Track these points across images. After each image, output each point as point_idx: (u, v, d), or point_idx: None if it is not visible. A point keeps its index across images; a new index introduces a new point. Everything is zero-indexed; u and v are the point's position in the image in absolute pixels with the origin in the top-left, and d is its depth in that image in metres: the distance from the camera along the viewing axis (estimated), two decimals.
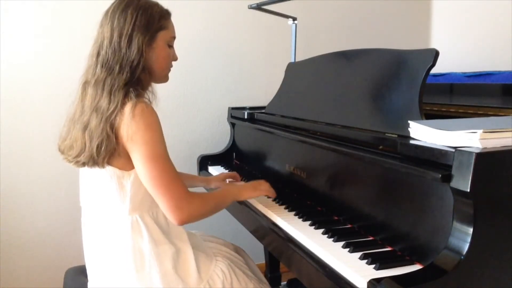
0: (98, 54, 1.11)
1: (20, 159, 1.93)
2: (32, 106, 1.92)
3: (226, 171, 1.83)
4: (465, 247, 0.78)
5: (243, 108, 1.97)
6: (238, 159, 2.00)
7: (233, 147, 2.02)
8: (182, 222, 1.07)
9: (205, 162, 1.98)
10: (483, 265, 0.81)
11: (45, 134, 1.94)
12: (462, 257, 0.77)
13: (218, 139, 2.24)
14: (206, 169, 1.96)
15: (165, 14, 1.18)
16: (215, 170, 1.87)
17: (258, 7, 1.96)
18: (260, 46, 2.30)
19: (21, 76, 1.90)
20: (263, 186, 1.31)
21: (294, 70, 1.76)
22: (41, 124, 1.93)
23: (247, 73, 2.29)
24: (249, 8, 1.99)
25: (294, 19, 2.07)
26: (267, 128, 1.62)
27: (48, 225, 2.00)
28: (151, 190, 1.06)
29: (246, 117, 1.87)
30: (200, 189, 1.50)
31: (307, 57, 1.69)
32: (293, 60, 2.06)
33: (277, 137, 1.56)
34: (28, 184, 1.96)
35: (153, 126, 1.06)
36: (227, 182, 1.59)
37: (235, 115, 1.98)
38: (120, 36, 1.09)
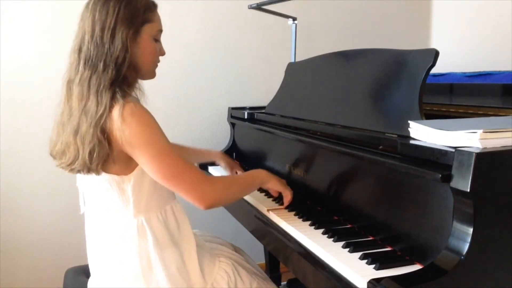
0: (80, 50, 1.05)
1: (20, 159, 1.93)
2: (32, 106, 1.92)
3: None
4: (465, 247, 0.78)
5: (243, 108, 1.97)
6: (238, 159, 1.99)
7: (233, 147, 2.01)
8: (208, 206, 1.06)
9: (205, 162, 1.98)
10: (483, 265, 0.81)
11: (45, 134, 1.91)
12: (462, 257, 0.77)
13: (218, 139, 2.24)
14: (206, 169, 1.95)
15: (151, 6, 1.11)
16: (215, 170, 1.87)
17: (258, 7, 1.96)
18: (260, 46, 2.30)
19: (21, 76, 1.90)
20: (289, 189, 1.29)
21: (294, 70, 1.76)
22: (41, 124, 1.93)
23: (247, 73, 2.29)
24: (249, 8, 1.99)
25: (294, 19, 2.07)
26: (267, 128, 1.62)
27: (48, 225, 2.00)
28: (167, 186, 1.05)
29: (246, 117, 1.87)
30: None
31: (307, 57, 1.69)
32: (293, 60, 2.06)
33: (277, 137, 1.56)
34: (28, 184, 1.96)
35: (147, 123, 1.02)
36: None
37: (235, 115, 1.98)
38: (102, 30, 1.03)
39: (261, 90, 2.30)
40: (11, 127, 1.90)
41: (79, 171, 1.05)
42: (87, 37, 1.04)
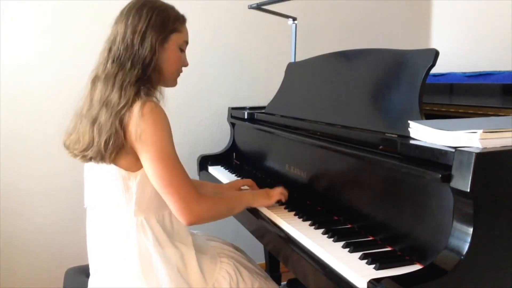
0: (110, 50, 1.10)
1: (20, 159, 1.93)
2: (32, 106, 1.92)
3: (226, 171, 1.83)
4: (465, 247, 0.78)
5: (243, 108, 1.96)
6: (238, 159, 1.99)
7: (233, 147, 2.02)
8: (191, 223, 1.07)
9: (205, 162, 1.98)
10: (483, 265, 0.81)
11: (45, 134, 1.94)
12: (462, 257, 0.77)
13: (218, 139, 2.24)
14: (206, 169, 1.95)
15: (180, 18, 1.19)
16: (215, 170, 1.88)
17: (258, 7, 1.96)
18: (260, 46, 2.30)
19: (21, 76, 1.90)
20: (276, 190, 1.30)
21: (294, 70, 1.76)
22: (41, 124, 1.93)
23: (247, 73, 2.29)
24: (249, 8, 1.99)
25: (294, 19, 2.07)
26: (267, 128, 1.62)
27: (48, 225, 2.00)
28: (160, 190, 1.06)
29: (246, 117, 1.87)
30: None
31: (307, 57, 1.69)
32: (293, 60, 2.06)
33: (277, 137, 1.56)
34: (28, 184, 1.96)
35: (162, 125, 1.05)
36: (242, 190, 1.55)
37: (235, 115, 1.98)
38: (133, 33, 1.09)
39: (261, 90, 2.30)
40: (11, 127, 1.90)
41: (91, 159, 1.07)
42: (118, 39, 1.10)
